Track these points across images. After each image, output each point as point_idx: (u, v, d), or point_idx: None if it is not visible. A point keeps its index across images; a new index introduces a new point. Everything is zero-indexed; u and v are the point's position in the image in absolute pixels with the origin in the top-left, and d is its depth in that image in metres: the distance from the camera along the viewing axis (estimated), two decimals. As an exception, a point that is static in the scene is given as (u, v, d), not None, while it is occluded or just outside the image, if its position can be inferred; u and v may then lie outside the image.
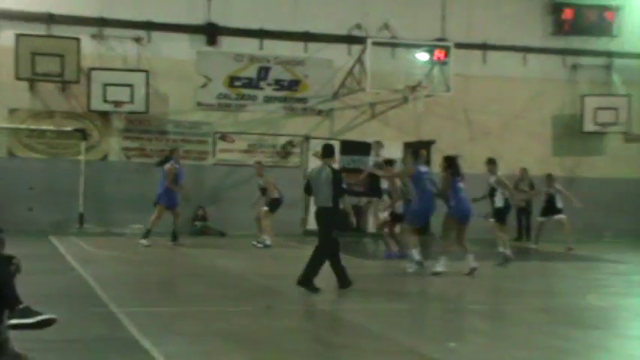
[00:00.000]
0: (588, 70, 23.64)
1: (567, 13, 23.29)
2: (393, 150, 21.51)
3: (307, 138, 21.94)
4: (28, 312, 6.48)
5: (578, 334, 9.09)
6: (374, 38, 20.74)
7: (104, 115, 20.82)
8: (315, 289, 11.32)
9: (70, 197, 20.29)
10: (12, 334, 6.51)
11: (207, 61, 21.52)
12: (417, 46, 21.45)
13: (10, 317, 6.45)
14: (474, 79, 22.45)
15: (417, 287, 12.99)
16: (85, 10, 20.62)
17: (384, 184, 16.50)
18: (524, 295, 12.70)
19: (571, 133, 23.51)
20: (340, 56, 21.90)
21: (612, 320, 10.45)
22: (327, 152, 12.00)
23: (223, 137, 21.58)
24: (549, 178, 20.02)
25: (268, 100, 21.93)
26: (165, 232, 17.75)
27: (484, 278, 13.65)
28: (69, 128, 20.54)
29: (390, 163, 16.00)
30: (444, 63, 20.93)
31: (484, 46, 22.94)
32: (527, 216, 21.55)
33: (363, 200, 19.22)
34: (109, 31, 20.81)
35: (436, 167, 20.87)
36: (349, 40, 21.97)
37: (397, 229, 16.06)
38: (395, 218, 15.77)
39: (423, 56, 21.41)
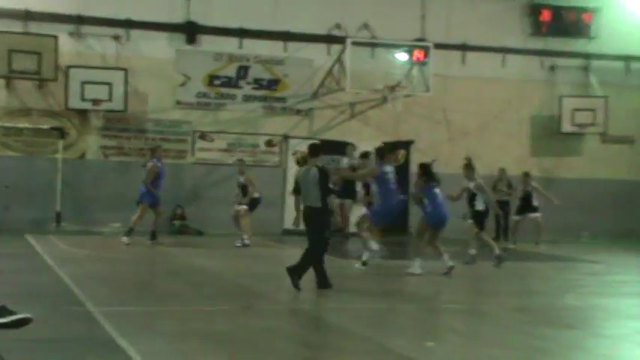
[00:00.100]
0: (566, 71, 23.77)
1: (546, 15, 23.41)
2: (373, 150, 21.58)
3: (286, 137, 21.93)
4: (3, 311, 6.44)
5: (554, 334, 9.14)
6: (353, 38, 20.77)
7: (82, 114, 20.70)
8: (296, 285, 11.36)
9: (47, 196, 20.16)
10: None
11: (186, 60, 21.46)
12: (397, 47, 21.51)
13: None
14: (453, 80, 22.52)
15: (396, 287, 13.01)
16: (62, 8, 20.50)
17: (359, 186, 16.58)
18: (502, 295, 12.77)
19: (549, 134, 23.63)
20: (320, 56, 21.90)
21: (588, 320, 10.51)
22: (313, 152, 12.03)
23: (202, 136, 21.48)
24: (526, 177, 20.18)
25: (247, 99, 21.89)
26: (145, 232, 17.66)
27: (461, 278, 13.70)
28: (46, 126, 20.41)
29: (365, 155, 16.00)
30: (423, 63, 21.00)
31: (463, 47, 23.01)
32: (505, 216, 21.60)
33: (337, 201, 19.21)
34: (87, 29, 20.70)
35: (416, 167, 21.07)
36: (329, 39, 21.97)
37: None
38: None
39: (402, 56, 21.48)
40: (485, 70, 23.10)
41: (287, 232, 21.09)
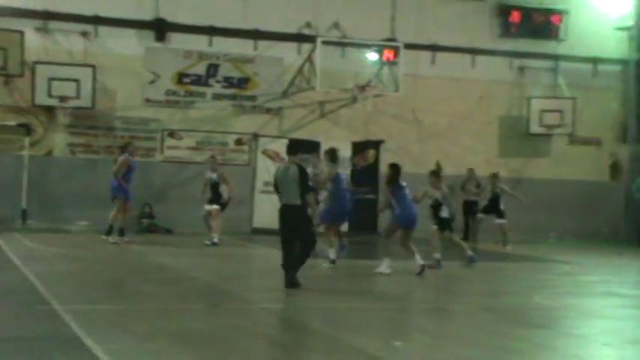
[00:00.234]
0: (535, 72, 23.92)
1: (515, 16, 23.53)
2: (342, 149, 21.56)
3: (256, 136, 21.85)
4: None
5: (524, 334, 9.16)
6: (324, 37, 20.75)
7: (49, 110, 20.47)
8: (296, 284, 11.47)
9: (13, 193, 19.90)
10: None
11: (155, 58, 21.30)
12: (367, 46, 21.53)
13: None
14: (422, 80, 22.57)
15: (365, 286, 12.98)
16: (29, 3, 20.27)
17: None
18: (471, 295, 12.80)
19: (517, 135, 23.76)
20: (290, 55, 21.85)
21: (558, 320, 10.55)
22: (292, 149, 12.08)
23: (171, 134, 21.38)
24: (494, 178, 20.30)
25: (217, 97, 21.78)
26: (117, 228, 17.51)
27: (430, 278, 13.72)
28: (12, 123, 20.14)
29: (332, 153, 15.97)
30: (393, 63, 21.04)
31: (433, 47, 23.06)
32: (474, 216, 21.70)
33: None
34: (54, 25, 20.46)
35: (386, 167, 21.08)
36: (299, 38, 21.92)
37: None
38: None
39: (372, 56, 21.50)
40: (455, 70, 23.17)
41: (256, 231, 21.04)
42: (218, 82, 21.77)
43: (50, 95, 19.91)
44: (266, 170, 21.38)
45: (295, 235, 11.73)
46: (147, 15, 21.12)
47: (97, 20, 20.69)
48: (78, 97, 19.99)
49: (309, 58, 20.76)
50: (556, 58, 23.96)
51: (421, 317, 10.41)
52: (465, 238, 21.23)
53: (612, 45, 24.26)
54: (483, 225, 20.93)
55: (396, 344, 8.26)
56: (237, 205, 18.99)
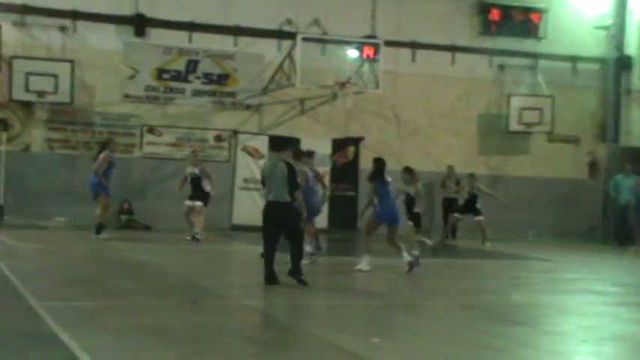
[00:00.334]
0: (514, 70, 23.99)
1: (495, 14, 23.58)
2: (322, 146, 21.58)
3: (236, 132, 21.78)
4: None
5: (502, 331, 9.17)
6: (304, 34, 20.71)
7: (27, 106, 20.31)
8: (303, 281, 11.50)
9: (-10, 189, 19.77)
10: None
11: (134, 53, 21.18)
12: (347, 43, 21.51)
13: None
14: (402, 77, 22.59)
15: (345, 283, 12.96)
16: (7, -4, 20.12)
17: None
18: (450, 292, 12.80)
19: (497, 132, 23.82)
20: (270, 51, 21.79)
21: (536, 317, 10.57)
22: (278, 146, 12.19)
23: (151, 130, 21.27)
24: (471, 178, 20.37)
25: (197, 93, 21.70)
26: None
27: (410, 275, 13.70)
28: (-11, 118, 20.02)
29: (310, 155, 15.92)
30: (373, 60, 21.03)
31: (413, 45, 23.07)
32: (454, 213, 21.72)
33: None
34: (32, 19, 20.31)
35: (367, 164, 21.09)
36: (279, 35, 21.86)
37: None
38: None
39: (352, 53, 21.48)
40: (435, 68, 23.20)
41: (235, 228, 20.99)
42: (198, 78, 21.69)
43: (28, 90, 19.76)
44: (246, 167, 21.36)
45: (281, 232, 11.73)
46: (126, 10, 21.00)
47: (75, 15, 20.55)
48: (56, 92, 19.85)
49: (290, 55, 20.72)
50: (535, 56, 24.03)
51: (400, 314, 10.39)
52: (445, 235, 21.33)
53: (591, 44, 24.38)
54: (462, 223, 20.98)
55: (375, 341, 8.24)
56: (216, 201, 18.91)
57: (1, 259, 13.18)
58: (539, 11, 23.87)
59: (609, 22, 24.31)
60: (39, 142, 20.59)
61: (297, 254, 11.76)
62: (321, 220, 19.40)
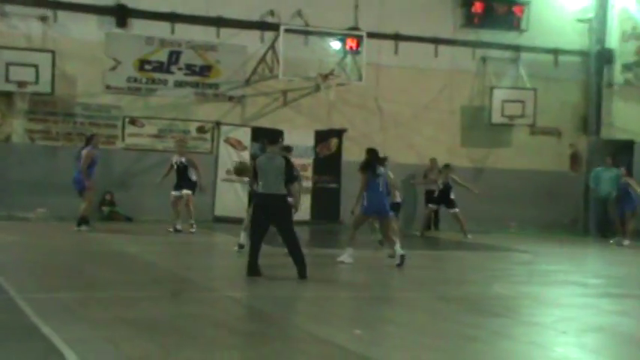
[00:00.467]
0: (497, 63, 24.01)
1: (477, 7, 23.59)
2: (305, 138, 21.60)
3: (218, 124, 21.72)
4: None
5: (483, 322, 9.22)
6: (287, 25, 20.66)
7: (7, 96, 20.14)
8: (304, 275, 11.58)
9: (-30, 180, 19.63)
10: None
11: (116, 44, 21.05)
12: (330, 35, 21.48)
13: None
14: (385, 69, 22.58)
15: (326, 276, 12.96)
16: (-15, -14, 19.95)
17: None
18: (432, 284, 12.85)
19: (479, 125, 23.85)
20: (253, 42, 21.71)
21: (517, 308, 10.63)
22: (273, 139, 12.21)
23: (133, 121, 21.18)
24: (446, 168, 20.48)
25: (179, 84, 21.60)
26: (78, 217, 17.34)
27: (391, 268, 13.70)
28: (-32, 109, 19.87)
29: (287, 149, 15.90)
30: (356, 52, 21.03)
31: (396, 37, 23.05)
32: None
33: None
34: (11, 9, 20.11)
35: (350, 156, 21.15)
36: (262, 26, 21.79)
37: None
38: None
39: (335, 45, 21.46)
40: (418, 60, 23.19)
41: (218, 219, 20.96)
42: (180, 69, 21.59)
43: (8, 80, 19.60)
44: (228, 158, 21.30)
45: (274, 224, 11.77)
46: (108, 0, 20.86)
47: (56, 5, 20.39)
48: (37, 82, 19.71)
49: (272, 47, 20.67)
50: (518, 48, 24.06)
51: (382, 306, 10.42)
52: (428, 227, 21.41)
53: (573, 36, 24.44)
54: (443, 215, 21.06)
55: (357, 332, 8.26)
56: (198, 193, 18.86)
57: (-18, 250, 13.12)
58: (522, 4, 23.89)
59: (591, 15, 24.37)
60: (19, 133, 20.45)
61: (295, 248, 11.72)
62: (304, 213, 19.44)
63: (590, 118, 24.53)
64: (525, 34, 23.99)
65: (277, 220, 11.82)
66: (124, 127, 21.15)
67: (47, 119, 20.57)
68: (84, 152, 17.47)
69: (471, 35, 23.72)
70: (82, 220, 17.26)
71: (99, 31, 20.86)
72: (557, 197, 23.91)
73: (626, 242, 20.34)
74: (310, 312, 9.86)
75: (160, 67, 21.41)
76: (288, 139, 17.93)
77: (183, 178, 18.05)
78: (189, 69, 21.64)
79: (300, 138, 21.01)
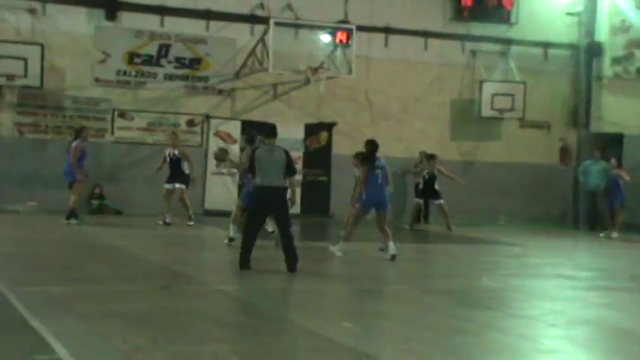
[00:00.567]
0: (487, 56, 24.01)
1: (467, 0, 23.59)
2: (295, 131, 21.58)
3: (208, 117, 21.69)
4: None
5: (472, 315, 9.24)
6: (277, 18, 20.61)
7: (-5, 89, 20.10)
8: (294, 269, 11.62)
9: (-41, 173, 19.55)
10: None
11: (105, 37, 20.98)
12: (320, 28, 21.41)
13: None
14: (375, 62, 22.56)
15: (318, 269, 12.97)
16: (-26, -21, 19.85)
17: None
18: (421, 277, 12.90)
19: (469, 118, 23.87)
20: (243, 36, 21.67)
21: (506, 301, 10.67)
22: (272, 132, 12.20)
23: (122, 114, 21.12)
24: (431, 158, 20.49)
25: (169, 78, 21.54)
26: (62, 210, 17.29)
27: (381, 260, 13.73)
28: (-42, 102, 19.77)
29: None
30: (346, 45, 20.97)
31: (386, 30, 23.03)
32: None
33: None
34: (0, 1, 20.01)
35: (340, 149, 21.16)
36: (252, 19, 21.74)
37: None
38: None
39: (325, 38, 21.41)
40: (408, 53, 23.19)
41: (208, 213, 20.93)
42: (170, 62, 21.53)
43: (-4, 73, 19.55)
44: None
45: (273, 216, 11.88)
46: (97, -7, 20.80)
47: (44, -3, 20.33)
48: (26, 75, 19.61)
49: (262, 40, 20.63)
50: (507, 42, 24.07)
51: (372, 299, 10.44)
52: (417, 220, 21.42)
53: (563, 30, 24.47)
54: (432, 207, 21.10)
55: (347, 325, 8.28)
56: (189, 186, 18.85)
57: (-29, 244, 13.09)
58: (511, -3, 23.91)
59: (580, 8, 24.40)
60: (8, 126, 20.36)
61: (289, 241, 11.73)
62: (294, 206, 19.41)
63: (580, 111, 24.59)
64: (515, 27, 24.01)
65: (277, 212, 11.87)
66: (113, 120, 21.09)
67: (36, 112, 20.49)
68: (73, 145, 17.48)
69: (460, 28, 23.72)
70: (72, 214, 17.25)
71: (88, 24, 20.79)
72: (546, 190, 23.98)
73: (615, 235, 20.41)
74: (300, 305, 9.88)
75: (150, 60, 21.36)
76: (277, 132, 17.86)
77: (176, 171, 18.16)
78: (179, 62, 21.59)
79: (289, 131, 20.98)
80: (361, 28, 21.39)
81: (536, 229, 22.06)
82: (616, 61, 23.81)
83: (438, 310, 9.56)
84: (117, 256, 13.27)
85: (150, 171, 18.31)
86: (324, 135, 22.40)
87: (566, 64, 24.63)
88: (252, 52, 21.02)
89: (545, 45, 24.35)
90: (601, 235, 20.81)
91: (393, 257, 13.51)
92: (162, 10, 21.27)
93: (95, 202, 20.40)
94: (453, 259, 15.79)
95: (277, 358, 6.90)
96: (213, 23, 21.68)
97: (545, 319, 9.27)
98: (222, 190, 20.96)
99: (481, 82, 23.67)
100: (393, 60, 22.93)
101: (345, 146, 20.55)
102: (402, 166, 21.72)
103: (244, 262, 11.59)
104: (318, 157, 22.17)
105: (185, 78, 21.66)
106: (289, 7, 21.37)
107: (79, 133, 17.88)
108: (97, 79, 20.94)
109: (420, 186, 20.66)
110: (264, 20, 20.86)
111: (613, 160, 21.20)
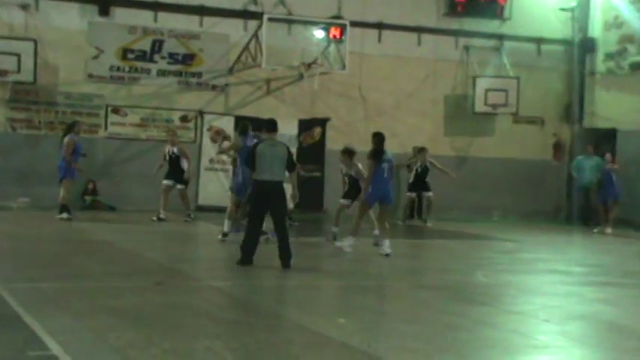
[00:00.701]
0: (480, 51, 24.01)
1: (461, -5, 23.61)
2: (289, 126, 21.53)
3: (201, 113, 21.66)
4: None
5: (465, 310, 9.26)
6: (270, 14, 20.58)
7: (-12, 85, 20.04)
8: (288, 265, 11.65)
9: (-48, 169, 19.50)
10: None
11: (99, 32, 20.93)
12: (313, 24, 21.38)
13: None
14: (369, 58, 22.55)
15: (311, 265, 12.97)
16: (-33, -26, 19.77)
17: None
18: (415, 272, 12.91)
19: (462, 114, 23.87)
20: (236, 31, 21.65)
21: (499, 297, 10.68)
22: (273, 127, 12.17)
23: (116, 110, 21.08)
24: (422, 151, 20.49)
25: (162, 73, 21.51)
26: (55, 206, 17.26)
27: (375, 256, 13.74)
28: (-50, 97, 19.71)
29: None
30: (339, 41, 20.95)
31: (379, 25, 23.02)
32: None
33: None
34: (-7, -3, 20.03)
35: (334, 144, 21.13)
36: (245, 15, 21.72)
37: None
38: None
39: (318, 33, 21.38)
40: (401, 48, 23.18)
41: (201, 208, 20.91)
42: (163, 58, 21.49)
43: (-11, 69, 19.49)
44: (212, 147, 21.20)
45: (270, 211, 11.82)
46: (90, -11, 20.74)
47: (37, -7, 20.28)
48: (19, 71, 19.56)
49: (256, 35, 20.60)
50: (501, 37, 24.08)
51: (366, 294, 10.44)
52: (411, 216, 21.43)
53: (556, 25, 24.49)
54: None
55: (340, 321, 8.28)
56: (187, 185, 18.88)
57: (-36, 240, 13.05)
58: (505, -7, 23.91)
59: (573, 4, 24.42)
60: (1, 122, 20.30)
61: (284, 236, 11.75)
62: (287, 202, 19.40)
63: (573, 106, 24.61)
64: (508, 22, 24.01)
65: (275, 207, 11.84)
66: (106, 116, 21.05)
67: (29, 108, 20.44)
68: (65, 140, 17.44)
69: (454, 24, 23.72)
70: (63, 208, 17.23)
71: (81, 20, 20.74)
72: (540, 186, 24.02)
73: (609, 230, 20.45)
74: (294, 301, 9.88)
75: (143, 56, 21.32)
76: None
77: (176, 169, 18.23)
78: (172, 58, 21.56)
79: (283, 127, 20.90)
80: (355, 24, 21.38)
81: (529, 224, 22.09)
82: (609, 56, 23.84)
83: (432, 305, 9.57)
84: (110, 252, 13.25)
85: (146, 168, 18.31)
86: (317, 130, 22.39)
87: (560, 59, 24.65)
88: (246, 47, 21.00)
89: (539, 40, 24.37)
90: (595, 230, 20.84)
91: (387, 255, 13.50)
92: (155, 6, 21.24)
93: (88, 198, 20.37)
94: (446, 254, 15.81)
95: (271, 354, 6.90)
96: (206, 19, 21.65)
97: (539, 314, 9.28)
98: (215, 186, 20.95)
99: (474, 78, 23.68)
100: (387, 55, 22.93)
101: (338, 142, 20.48)
102: (395, 161, 21.66)
103: (248, 258, 11.56)
104: (312, 152, 22.15)
105: (178, 74, 21.63)
106: (282, 2, 21.32)
107: (71, 127, 17.86)
108: (90, 75, 20.90)
109: (411, 179, 20.65)
110: (257, 16, 20.83)
111: (608, 155, 21.21)
